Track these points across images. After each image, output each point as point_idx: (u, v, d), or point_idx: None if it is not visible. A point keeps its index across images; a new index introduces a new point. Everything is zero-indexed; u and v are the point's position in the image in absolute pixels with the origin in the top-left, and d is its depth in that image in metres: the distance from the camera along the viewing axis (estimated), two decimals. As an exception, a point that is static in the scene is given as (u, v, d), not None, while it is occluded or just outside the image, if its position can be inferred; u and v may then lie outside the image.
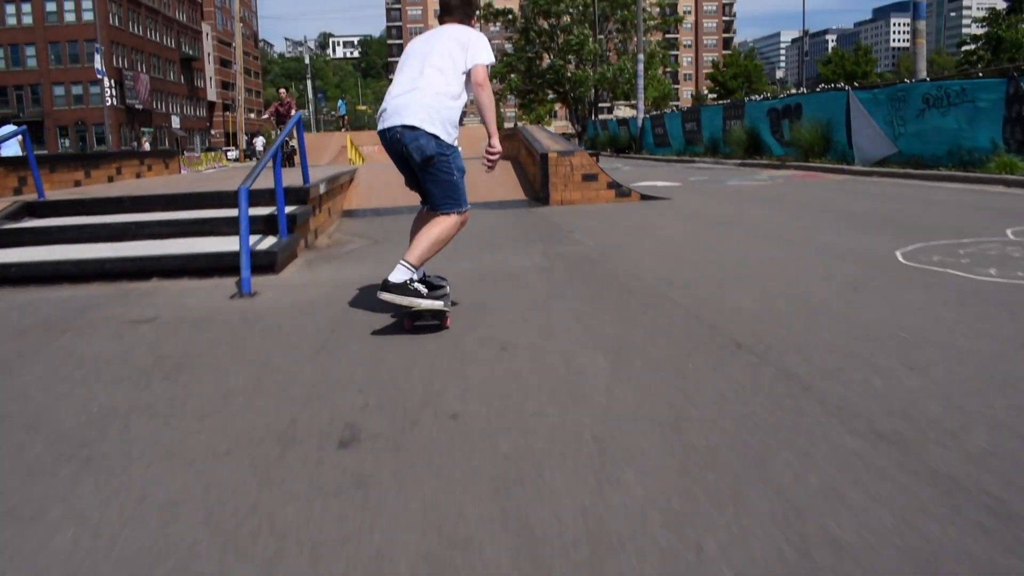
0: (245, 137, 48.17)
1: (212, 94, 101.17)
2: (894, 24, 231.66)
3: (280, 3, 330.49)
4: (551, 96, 50.25)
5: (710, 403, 2.60)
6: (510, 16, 47.54)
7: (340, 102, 42.34)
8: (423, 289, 3.92)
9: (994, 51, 50.19)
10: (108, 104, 69.65)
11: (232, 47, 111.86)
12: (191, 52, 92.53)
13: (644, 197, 10.35)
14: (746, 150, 20.49)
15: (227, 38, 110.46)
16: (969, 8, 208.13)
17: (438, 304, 3.92)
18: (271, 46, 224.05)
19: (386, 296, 3.84)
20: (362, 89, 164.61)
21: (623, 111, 65.34)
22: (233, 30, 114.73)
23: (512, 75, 46.40)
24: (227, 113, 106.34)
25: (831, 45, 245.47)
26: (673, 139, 27.48)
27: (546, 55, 47.32)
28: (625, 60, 44.23)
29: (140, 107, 75.22)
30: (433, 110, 3.94)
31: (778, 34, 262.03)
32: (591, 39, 43.85)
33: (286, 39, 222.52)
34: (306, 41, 73.72)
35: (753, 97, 21.90)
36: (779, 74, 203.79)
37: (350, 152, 21.28)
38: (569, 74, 44.80)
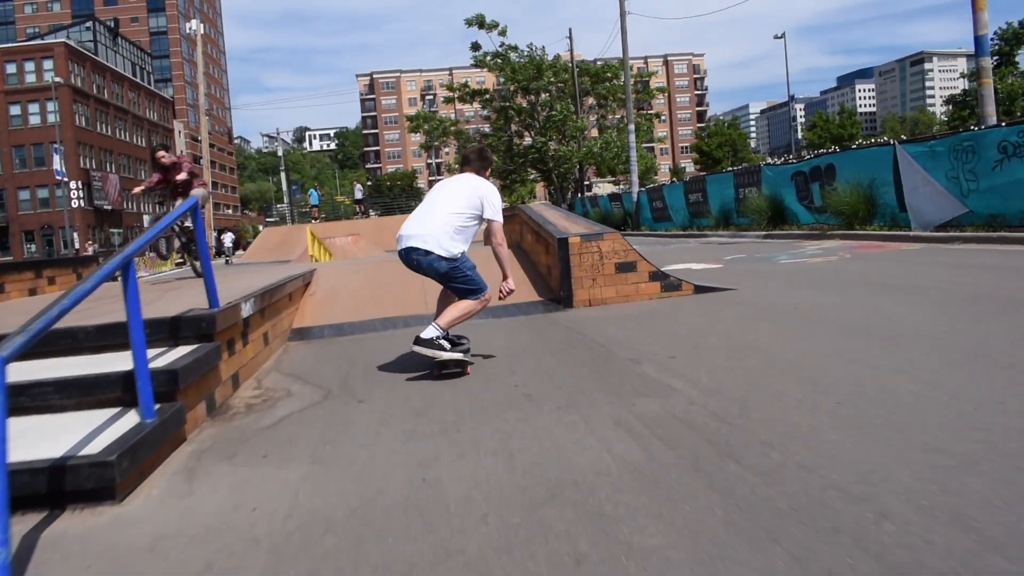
0: (213, 233, 45.58)
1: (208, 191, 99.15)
2: (859, 90, 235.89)
3: (257, 101, 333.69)
4: (533, 175, 48.35)
5: None
6: (487, 96, 45.89)
7: (311, 192, 40.11)
8: (447, 344, 5.00)
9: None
10: (74, 206, 68.17)
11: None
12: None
13: (699, 289, 7.71)
14: (770, 220, 18.07)
15: (199, 135, 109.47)
16: (931, 71, 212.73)
17: (458, 355, 4.97)
18: (247, 142, 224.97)
19: (417, 349, 4.92)
20: (340, 180, 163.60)
21: (603, 188, 63.89)
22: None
23: (493, 156, 44.47)
24: (201, 210, 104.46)
25: (800, 114, 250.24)
26: (675, 212, 25.19)
27: (526, 133, 45.51)
28: (610, 134, 42.40)
29: (109, 208, 72.92)
30: (440, 233, 5.04)
31: (747, 106, 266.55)
32: (574, 114, 42.09)
33: (262, 134, 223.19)
34: (279, 133, 71.81)
35: (771, 160, 19.66)
36: (752, 144, 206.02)
37: (312, 247, 18.19)
38: (552, 151, 42.86)
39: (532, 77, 41.64)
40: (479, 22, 40.92)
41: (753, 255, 12.66)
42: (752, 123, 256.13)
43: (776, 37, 49.56)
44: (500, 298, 5.48)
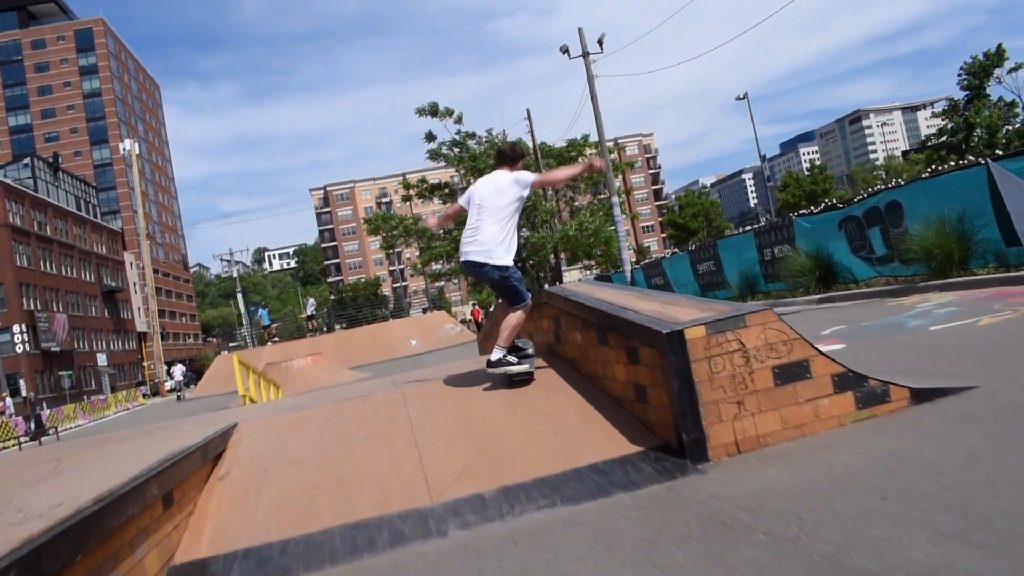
0: (163, 367, 41.60)
1: (141, 324, 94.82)
2: (803, 153, 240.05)
3: (214, 226, 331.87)
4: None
5: None
6: (447, 191, 43.13)
7: (260, 312, 36.50)
8: (513, 359, 6.00)
9: (965, 139, 47.74)
10: (19, 351, 63.75)
11: (159, 274, 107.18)
12: (114, 284, 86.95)
13: (920, 395, 4.26)
14: (818, 280, 14.83)
15: (154, 265, 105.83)
16: (869, 127, 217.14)
17: (525, 367, 5.94)
18: (207, 269, 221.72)
19: (491, 370, 6.02)
20: (303, 297, 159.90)
21: (575, 274, 60.72)
22: (160, 256, 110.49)
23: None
24: (161, 342, 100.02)
25: (749, 184, 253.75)
26: (681, 287, 22.03)
27: (494, 223, 42.64)
28: (583, 215, 39.62)
29: (58, 349, 68.41)
30: (489, 246, 5.85)
31: (697, 181, 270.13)
32: (543, 199, 39.32)
33: (215, 255, 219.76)
34: (232, 254, 68.33)
35: (805, 211, 16.62)
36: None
37: (244, 383, 13.20)
38: (523, 240, 39.89)
39: (493, 165, 38.95)
40: (432, 111, 38.34)
41: (856, 324, 9.30)
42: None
43: (738, 99, 47.82)
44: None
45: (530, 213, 39.68)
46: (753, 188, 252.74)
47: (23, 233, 66.49)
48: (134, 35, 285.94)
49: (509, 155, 6.18)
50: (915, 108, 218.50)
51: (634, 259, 44.68)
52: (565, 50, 27.76)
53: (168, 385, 38.00)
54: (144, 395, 43.02)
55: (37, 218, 70.26)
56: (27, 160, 77.04)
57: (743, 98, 47.53)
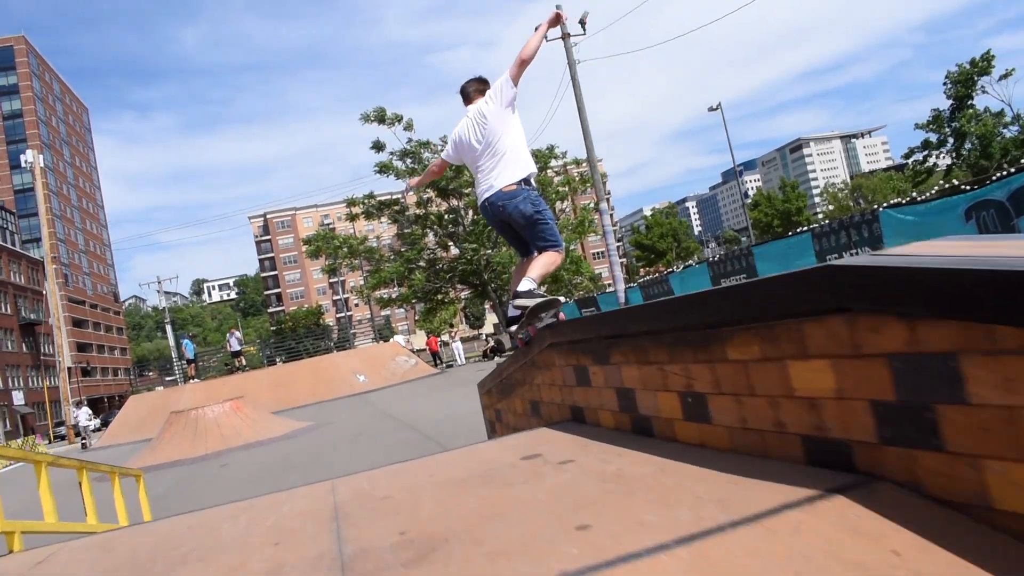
0: (72, 408, 36.00)
1: (66, 359, 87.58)
2: (747, 181, 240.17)
3: (153, 262, 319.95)
4: (463, 293, 40.85)
5: None
6: (397, 207, 38.66)
7: (185, 342, 31.37)
8: (542, 290, 5.03)
9: (956, 150, 45.22)
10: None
11: (85, 305, 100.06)
12: (33, 316, 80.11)
13: None
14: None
15: (79, 296, 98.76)
16: (810, 156, 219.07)
17: (554, 297, 4.97)
18: (143, 301, 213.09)
19: (518, 302, 4.95)
20: (244, 328, 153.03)
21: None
22: (87, 287, 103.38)
23: (414, 274, 36.72)
24: (85, 379, 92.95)
25: (693, 212, 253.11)
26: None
27: (450, 244, 38.19)
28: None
29: (-36, 389, 61.75)
30: (505, 172, 5.00)
31: (641, 209, 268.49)
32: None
33: (143, 284, 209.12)
34: (160, 282, 62.73)
35: (899, 200, 12.57)
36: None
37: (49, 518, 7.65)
38: (485, 260, 35.51)
39: (452, 176, 34.63)
40: (379, 117, 34.03)
41: None
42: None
43: (711, 109, 44.46)
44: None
45: (489, 231, 35.48)
46: (697, 216, 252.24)
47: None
48: (66, 65, 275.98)
49: (476, 84, 5.34)
50: (853, 136, 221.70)
51: (588, 288, 40.54)
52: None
53: (78, 422, 32.33)
54: (47, 441, 37.17)
55: (-58, 245, 63.80)
56: (-68, 181, 70.40)
57: (716, 108, 44.14)
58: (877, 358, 1.89)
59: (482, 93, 5.29)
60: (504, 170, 5.02)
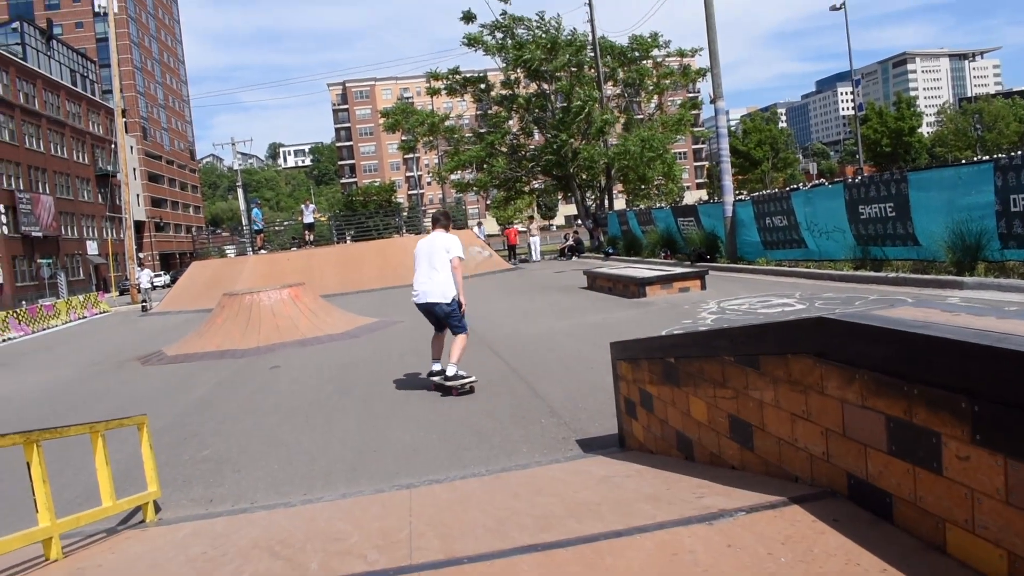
0: (136, 268, 35.39)
1: (140, 213, 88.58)
2: (840, 93, 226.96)
3: (233, 123, 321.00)
4: (539, 184, 38.51)
5: None
6: (483, 86, 36.13)
7: (254, 210, 30.06)
8: (463, 373, 7.91)
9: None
10: (-3, 234, 57.52)
11: (161, 160, 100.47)
12: (110, 167, 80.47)
13: None
14: None
15: (156, 150, 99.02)
16: (914, 72, 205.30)
17: (472, 380, 7.91)
18: (220, 160, 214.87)
19: (448, 384, 7.84)
20: (316, 197, 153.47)
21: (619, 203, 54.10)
22: (164, 142, 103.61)
23: (493, 159, 34.53)
24: (159, 234, 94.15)
25: (782, 120, 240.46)
26: (817, 236, 15.55)
27: (535, 130, 35.74)
28: (647, 129, 32.80)
29: (42, 234, 62.40)
30: (443, 289, 7.76)
31: (728, 112, 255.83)
32: (597, 104, 32.38)
33: (216, 144, 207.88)
34: (234, 143, 61.66)
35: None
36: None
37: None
38: (572, 152, 33.06)
39: (544, 57, 31.89)
40: (474, -17, 31.22)
41: None
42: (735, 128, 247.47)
43: (833, 8, 40.30)
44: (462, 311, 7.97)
45: (580, 123, 32.91)
46: (786, 125, 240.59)
47: (6, 104, 59.68)
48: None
49: (442, 220, 8.32)
50: (963, 56, 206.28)
51: (673, 193, 37.69)
52: None
53: (140, 283, 31.57)
54: (107, 301, 36.85)
55: (24, 89, 63.36)
56: (15, 24, 69.61)
57: (839, 8, 39.98)
58: None
59: (445, 228, 8.19)
60: (439, 286, 7.82)
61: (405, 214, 36.44)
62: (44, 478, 3.36)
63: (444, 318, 7.88)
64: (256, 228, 30.22)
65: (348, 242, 32.33)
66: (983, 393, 1.70)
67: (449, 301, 7.76)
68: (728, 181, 18.85)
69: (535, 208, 59.88)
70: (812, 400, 2.45)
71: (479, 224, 40.65)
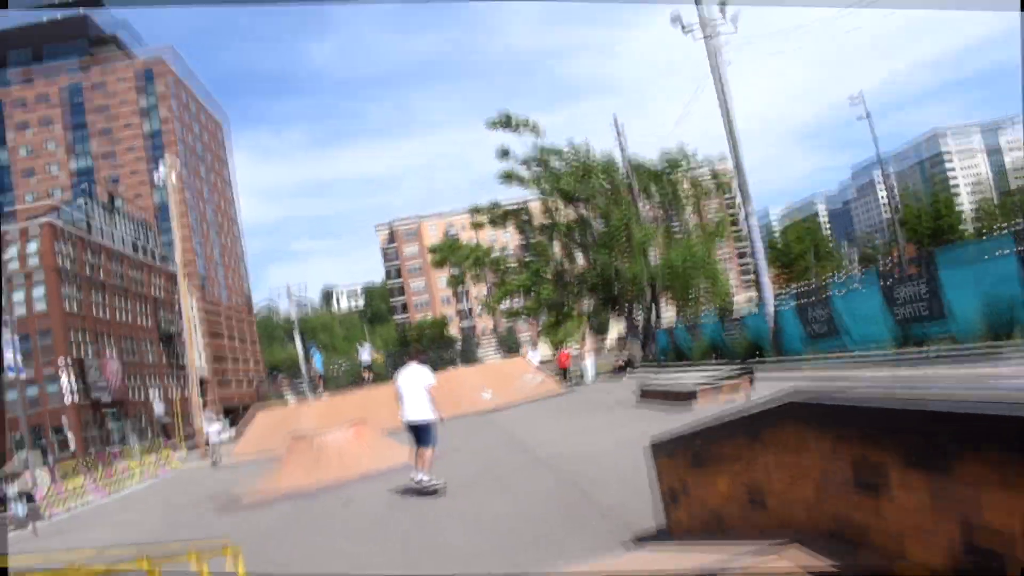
0: (204, 420, 36.49)
1: (203, 370, 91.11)
2: (877, 180, 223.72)
3: (285, 271, 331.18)
4: (586, 306, 39.21)
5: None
6: (524, 217, 37.55)
7: (314, 353, 31.15)
8: (434, 479, 10.26)
9: None
10: (67, 402, 59.65)
11: (219, 316, 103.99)
12: (173, 327, 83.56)
13: None
14: None
15: (215, 308, 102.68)
16: (948, 152, 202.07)
17: (440, 484, 10.18)
18: (276, 312, 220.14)
19: (424, 484, 10.17)
20: (370, 336, 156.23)
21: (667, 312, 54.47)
22: (222, 298, 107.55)
23: (540, 286, 35.48)
24: (221, 389, 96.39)
25: (822, 214, 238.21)
26: (862, 323, 15.81)
27: (577, 253, 36.76)
28: (690, 241, 33.66)
29: (109, 398, 64.54)
30: (424, 410, 10.32)
31: (767, 209, 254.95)
32: (636, 221, 33.41)
33: (277, 294, 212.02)
34: (289, 289, 64.04)
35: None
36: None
37: None
38: (615, 272, 33.89)
39: (579, 181, 33.23)
40: (505, 122, 32.99)
41: None
42: (776, 225, 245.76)
43: (853, 101, 41.46)
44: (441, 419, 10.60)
45: (621, 241, 33.87)
46: (828, 222, 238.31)
47: (73, 277, 63.09)
48: (203, 79, 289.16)
49: (417, 356, 11.42)
50: (994, 129, 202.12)
51: (720, 300, 38.05)
52: (677, 19, 20.67)
53: (209, 438, 32.47)
54: (178, 458, 37.78)
55: (89, 260, 67.04)
56: (80, 201, 74.28)
57: (858, 99, 41.17)
58: None
59: (422, 362, 10.98)
60: (421, 407, 10.39)
61: (458, 345, 37.28)
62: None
63: (419, 434, 10.38)
64: (317, 371, 31.22)
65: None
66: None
67: (429, 419, 10.32)
68: (766, 282, 19.32)
69: (586, 329, 60.49)
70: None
71: (533, 348, 41.14)
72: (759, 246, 19.50)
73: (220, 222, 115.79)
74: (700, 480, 4.29)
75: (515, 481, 10.55)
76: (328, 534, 9.44)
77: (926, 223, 57.50)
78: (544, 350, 38.51)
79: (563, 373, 34.94)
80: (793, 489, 3.06)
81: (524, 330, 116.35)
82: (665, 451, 5.06)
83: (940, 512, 2.16)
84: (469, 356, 34.94)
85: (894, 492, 2.35)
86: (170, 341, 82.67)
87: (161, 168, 39.18)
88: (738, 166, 19.96)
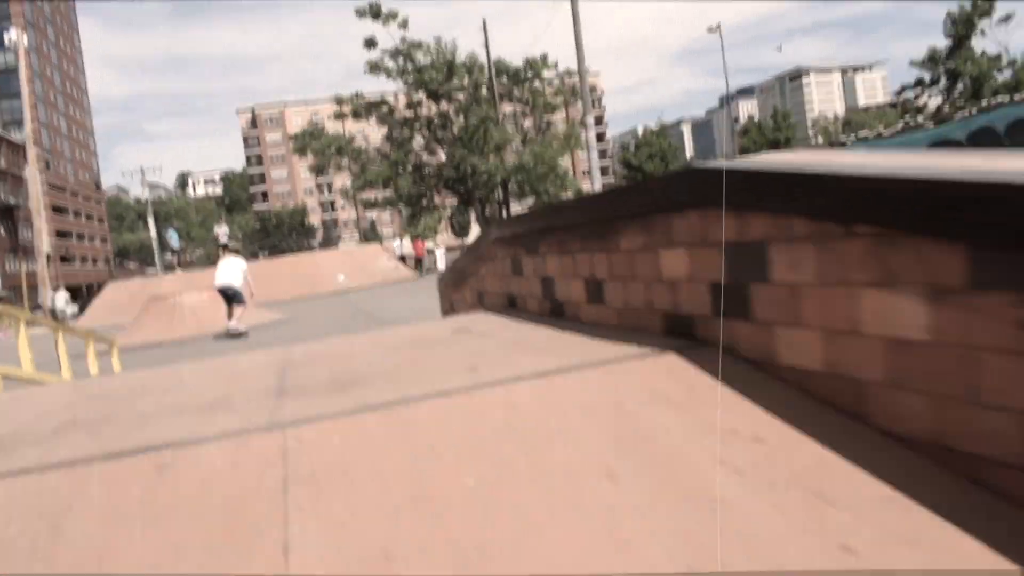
0: (50, 292, 36.33)
1: (45, 245, 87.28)
2: (742, 107, 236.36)
3: (138, 152, 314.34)
4: (446, 201, 40.89)
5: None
6: (386, 108, 38.36)
7: (170, 232, 31.67)
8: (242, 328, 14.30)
9: (948, 89, 45.01)
10: None
11: (66, 192, 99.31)
12: (13, 200, 79.63)
13: None
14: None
15: (60, 182, 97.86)
16: (809, 86, 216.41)
17: (244, 330, 14.24)
18: (126, 192, 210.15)
19: (232, 333, 14.26)
20: (229, 226, 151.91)
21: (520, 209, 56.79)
22: (68, 174, 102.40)
23: (400, 178, 36.79)
24: (64, 265, 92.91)
25: (687, 134, 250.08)
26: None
27: (438, 148, 38.13)
28: (542, 144, 35.59)
29: (-56, 269, 61.78)
30: (235, 280, 14.32)
31: (635, 128, 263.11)
32: (494, 122, 35.02)
33: (125, 173, 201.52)
34: (143, 172, 62.18)
35: (868, 133, 12.96)
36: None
37: None
38: (471, 168, 35.59)
39: (443, 79, 34.38)
40: (373, 11, 33.50)
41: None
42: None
43: (710, 30, 44.06)
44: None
45: (478, 138, 35.48)
46: (691, 140, 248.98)
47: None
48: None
49: (232, 247, 18.79)
50: (852, 69, 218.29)
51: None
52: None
53: (55, 307, 32.61)
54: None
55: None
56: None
57: (715, 30, 43.72)
58: (713, 245, 2.32)
59: (236, 253, 16.74)
60: (234, 278, 14.17)
61: (319, 235, 38.29)
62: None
63: (232, 298, 14.20)
64: (173, 248, 31.77)
65: (260, 261, 34.10)
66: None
67: (240, 287, 14.21)
68: (598, 185, 21.59)
69: (448, 225, 62.23)
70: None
71: (399, 242, 42.37)
72: (594, 155, 21.65)
73: (68, 92, 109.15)
74: (459, 295, 6.23)
75: (339, 316, 12.68)
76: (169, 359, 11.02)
77: (767, 133, 62.40)
78: (408, 244, 39.84)
79: (418, 262, 36.79)
80: (493, 282, 4.98)
81: (388, 223, 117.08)
82: (442, 280, 7.02)
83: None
84: (330, 246, 36.07)
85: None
86: (9, 215, 78.93)
87: (12, 30, 37.12)
88: (581, 77, 21.87)
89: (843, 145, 12.25)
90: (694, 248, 2.46)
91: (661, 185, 2.85)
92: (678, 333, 2.59)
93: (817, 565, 1.34)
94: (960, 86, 44.59)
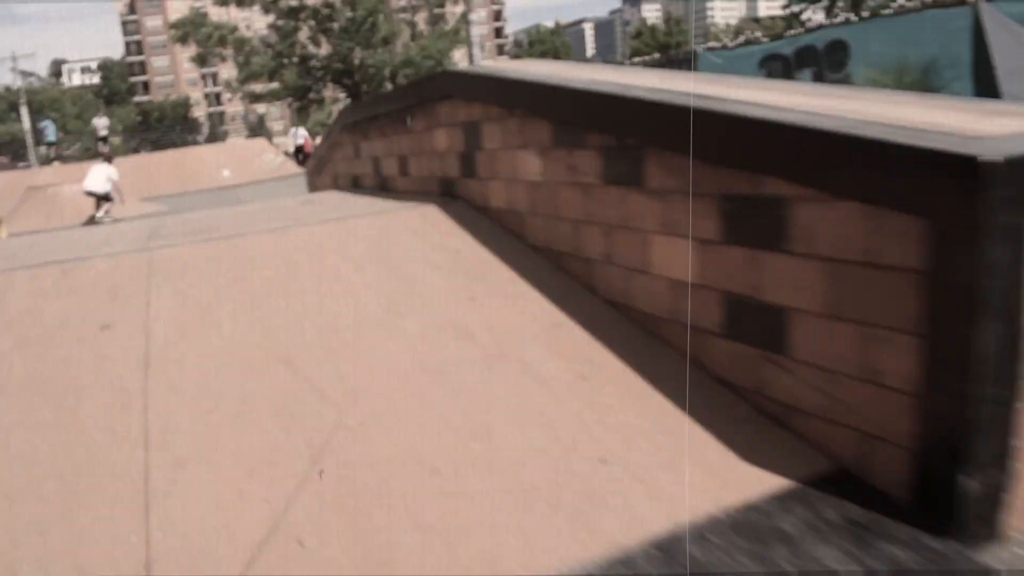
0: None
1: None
2: (646, 9, 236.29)
3: (7, 35, 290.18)
4: (338, 94, 40.51)
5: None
6: (270, -5, 37.35)
7: (46, 123, 30.66)
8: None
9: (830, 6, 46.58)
10: None
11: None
12: None
13: None
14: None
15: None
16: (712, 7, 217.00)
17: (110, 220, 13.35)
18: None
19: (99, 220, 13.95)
20: (108, 117, 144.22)
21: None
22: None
23: (284, 71, 36.29)
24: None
25: (589, 34, 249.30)
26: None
27: (324, 40, 37.56)
28: (428, 38, 35.60)
29: None
30: (103, 186, 14.78)
31: (537, 25, 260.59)
32: (383, 14, 34.76)
33: None
34: (15, 58, 58.68)
35: (715, 44, 14.10)
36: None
37: None
38: (358, 61, 35.39)
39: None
40: None
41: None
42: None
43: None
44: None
45: (366, 32, 35.21)
46: (593, 38, 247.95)
47: None
48: None
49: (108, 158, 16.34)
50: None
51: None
52: None
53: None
54: None
55: None
56: None
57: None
58: (459, 125, 3.33)
59: (109, 160, 15.99)
60: (102, 183, 14.74)
61: (204, 130, 37.58)
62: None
63: (101, 197, 14.59)
64: (49, 141, 30.81)
65: (141, 154, 33.36)
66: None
67: (109, 190, 14.73)
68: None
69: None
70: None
71: (295, 129, 41.62)
72: (476, 52, 22.17)
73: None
74: (321, 180, 7.10)
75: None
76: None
77: (659, 37, 63.68)
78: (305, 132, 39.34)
79: (306, 156, 36.69)
80: (342, 166, 5.87)
81: (278, 119, 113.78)
82: (308, 168, 7.86)
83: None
84: (216, 140, 35.61)
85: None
86: None
87: None
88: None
89: (696, 55, 13.45)
90: (450, 127, 3.47)
91: (431, 82, 3.84)
92: (446, 193, 3.62)
93: (453, 305, 2.41)
94: (840, 2, 46.07)
